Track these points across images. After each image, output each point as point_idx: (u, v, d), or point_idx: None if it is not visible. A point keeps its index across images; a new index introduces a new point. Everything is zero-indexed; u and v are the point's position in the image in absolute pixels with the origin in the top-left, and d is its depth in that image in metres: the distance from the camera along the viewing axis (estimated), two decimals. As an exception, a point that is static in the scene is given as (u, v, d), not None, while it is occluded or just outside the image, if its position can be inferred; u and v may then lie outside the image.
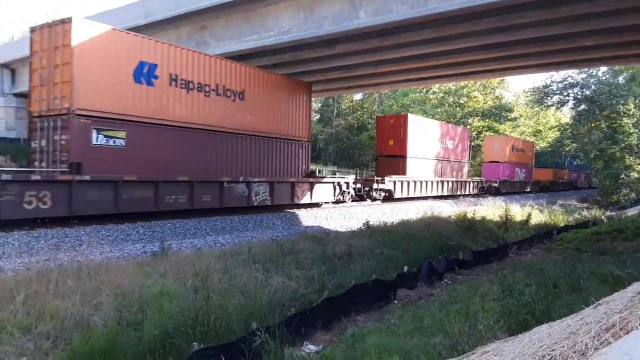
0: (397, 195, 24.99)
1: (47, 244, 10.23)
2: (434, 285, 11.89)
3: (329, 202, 21.04)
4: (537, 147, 55.05)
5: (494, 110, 51.51)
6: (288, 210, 18.62)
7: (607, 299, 2.96)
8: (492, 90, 52.67)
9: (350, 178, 22.99)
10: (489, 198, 30.77)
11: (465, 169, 35.37)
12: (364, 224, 16.39)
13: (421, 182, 27.55)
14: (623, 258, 13.21)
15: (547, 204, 32.55)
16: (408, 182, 26.08)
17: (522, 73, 24.31)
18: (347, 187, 22.01)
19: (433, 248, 14.97)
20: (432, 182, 28.71)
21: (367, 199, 23.53)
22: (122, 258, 10.04)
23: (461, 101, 51.12)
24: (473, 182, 34.96)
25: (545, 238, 19.65)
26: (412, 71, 23.13)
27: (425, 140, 28.81)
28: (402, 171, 26.22)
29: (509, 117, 52.83)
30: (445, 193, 30.22)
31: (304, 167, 20.89)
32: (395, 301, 10.17)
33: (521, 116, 56.88)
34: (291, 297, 9.47)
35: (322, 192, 20.54)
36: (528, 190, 42.83)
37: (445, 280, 12.58)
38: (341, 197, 21.68)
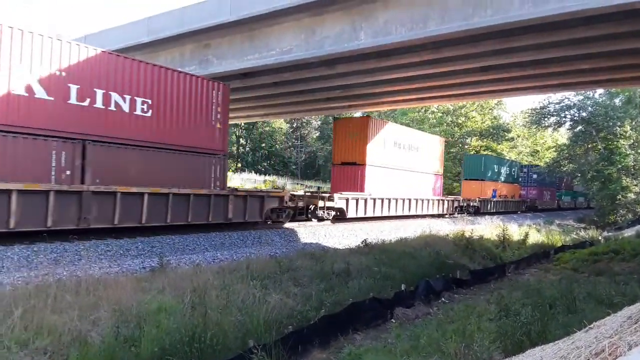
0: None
1: (47, 258, 10.25)
2: (431, 304, 11.89)
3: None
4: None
5: (491, 130, 51.88)
6: (287, 227, 18.66)
7: (599, 322, 3.03)
8: (490, 111, 53.10)
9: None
10: (486, 217, 30.82)
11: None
12: (362, 241, 16.45)
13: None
14: (619, 279, 13.27)
15: (545, 224, 32.62)
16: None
17: (520, 95, 24.59)
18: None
19: (431, 267, 14.99)
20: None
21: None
22: (120, 273, 10.06)
23: (459, 121, 51.50)
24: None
25: (543, 258, 19.68)
26: (411, 91, 23.40)
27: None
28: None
29: (507, 137, 53.19)
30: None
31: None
32: (393, 320, 10.18)
33: (519, 136, 57.29)
34: (289, 314, 9.48)
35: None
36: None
37: (443, 299, 12.59)
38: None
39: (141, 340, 7.10)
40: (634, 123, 35.30)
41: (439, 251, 16.65)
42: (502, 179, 41.47)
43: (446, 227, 24.27)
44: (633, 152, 34.69)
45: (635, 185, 34.41)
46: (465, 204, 33.09)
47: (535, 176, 47.11)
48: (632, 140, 34.95)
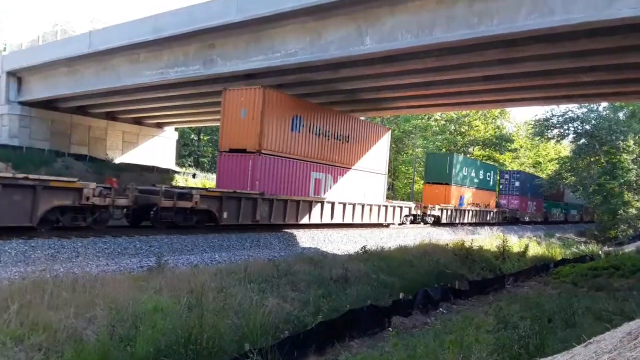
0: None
1: (44, 254, 10.21)
2: (429, 314, 11.83)
3: None
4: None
5: (494, 140, 51.83)
6: (286, 231, 18.62)
7: (598, 338, 2.99)
8: (493, 120, 53.10)
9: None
10: (485, 228, 30.68)
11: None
12: (361, 248, 16.40)
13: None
14: (619, 295, 13.18)
15: (545, 237, 32.54)
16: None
17: (523, 105, 24.61)
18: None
19: (429, 276, 14.94)
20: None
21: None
22: (117, 272, 10.04)
23: (462, 129, 51.49)
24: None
25: (542, 271, 19.57)
26: (414, 98, 23.40)
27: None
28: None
29: (509, 148, 53.12)
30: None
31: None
32: (390, 328, 10.12)
33: (521, 147, 57.22)
34: (285, 319, 9.44)
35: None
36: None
37: (441, 309, 12.52)
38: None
39: (136, 340, 7.05)
40: (637, 137, 35.23)
41: (438, 260, 16.60)
42: (475, 184, 36.66)
43: (446, 237, 24.20)
44: (636, 167, 34.61)
45: (637, 200, 34.32)
46: (420, 212, 27.99)
47: (518, 184, 41.53)
48: (635, 155, 34.89)
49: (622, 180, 33.35)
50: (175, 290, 9.14)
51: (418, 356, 7.07)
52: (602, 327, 6.62)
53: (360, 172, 24.76)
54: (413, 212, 27.37)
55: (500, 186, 42.31)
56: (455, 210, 31.42)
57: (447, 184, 32.90)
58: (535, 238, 29.72)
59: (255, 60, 18.00)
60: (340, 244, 18.61)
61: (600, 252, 24.94)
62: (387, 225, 25.07)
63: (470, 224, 31.68)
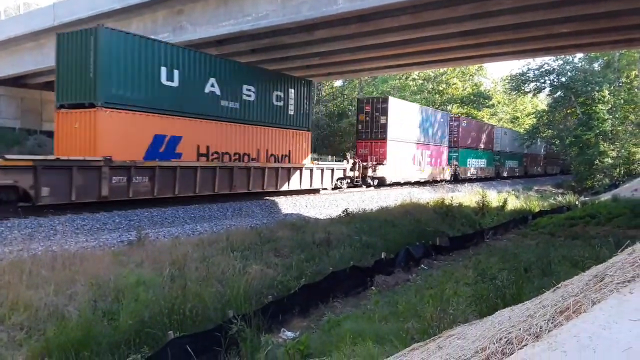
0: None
1: (21, 233, 10.04)
2: (410, 271, 12.06)
3: None
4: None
5: (472, 97, 51.95)
6: (268, 198, 18.60)
7: (566, 282, 3.05)
8: (470, 77, 53.05)
9: None
10: (466, 185, 31.00)
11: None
12: (343, 211, 16.49)
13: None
14: (594, 242, 13.56)
15: (523, 190, 33.14)
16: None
17: (500, 60, 24.52)
18: None
19: (411, 234, 15.16)
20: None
21: None
22: (97, 248, 9.94)
23: (440, 88, 51.39)
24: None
25: (521, 223, 20.03)
26: (391, 57, 23.12)
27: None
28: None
29: (487, 104, 53.37)
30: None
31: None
32: (373, 287, 10.30)
33: (499, 103, 57.51)
34: (269, 284, 9.54)
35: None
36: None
37: (422, 265, 12.77)
38: None
39: (120, 314, 7.06)
40: (612, 88, 35.62)
41: (419, 219, 16.81)
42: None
43: (427, 195, 24.46)
44: (611, 117, 35.12)
45: (612, 150, 34.98)
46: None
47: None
48: (610, 105, 35.34)
49: (597, 131, 33.89)
50: (157, 262, 9.12)
51: (400, 312, 7.23)
52: (576, 273, 6.82)
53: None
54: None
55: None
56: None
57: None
58: (513, 192, 30.27)
59: (226, 25, 17.48)
60: (322, 208, 18.69)
61: (577, 202, 25.57)
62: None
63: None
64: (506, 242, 16.27)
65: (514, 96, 51.15)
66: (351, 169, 23.32)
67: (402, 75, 47.83)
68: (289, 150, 21.48)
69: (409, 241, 14.00)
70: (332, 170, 22.24)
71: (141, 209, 13.73)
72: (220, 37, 18.40)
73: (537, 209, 24.42)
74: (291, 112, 21.62)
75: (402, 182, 27.62)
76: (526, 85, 40.40)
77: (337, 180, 22.63)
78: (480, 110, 52.91)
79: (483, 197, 21.99)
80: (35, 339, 6.40)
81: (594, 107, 34.69)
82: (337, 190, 22.62)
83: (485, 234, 16.92)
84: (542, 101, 56.34)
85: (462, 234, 16.57)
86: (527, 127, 48.40)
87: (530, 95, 46.67)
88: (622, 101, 36.44)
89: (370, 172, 24.57)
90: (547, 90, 40.45)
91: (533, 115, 47.76)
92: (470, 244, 15.63)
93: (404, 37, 18.83)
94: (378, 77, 46.18)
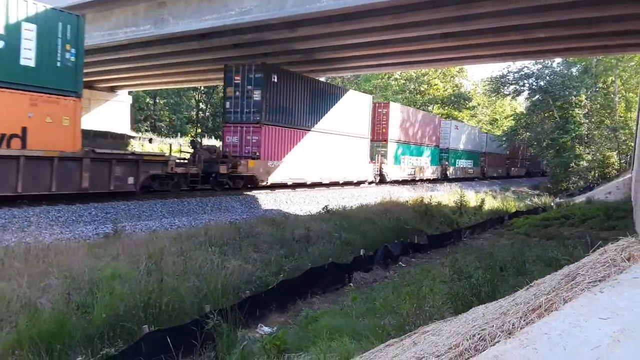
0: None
1: (-7, 225, 9.84)
2: (389, 268, 12.15)
3: None
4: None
5: (453, 98, 52.56)
6: (248, 194, 18.52)
7: (539, 281, 3.12)
8: (451, 79, 53.66)
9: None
10: (445, 184, 31.36)
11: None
12: (324, 208, 16.52)
13: None
14: (568, 243, 13.84)
15: (501, 191, 33.66)
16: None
17: (479, 62, 24.84)
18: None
19: (390, 232, 15.25)
20: None
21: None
22: (72, 240, 9.78)
23: (422, 88, 51.87)
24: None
25: (497, 223, 20.34)
26: (373, 57, 23.22)
27: None
28: None
29: (467, 106, 54.05)
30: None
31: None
32: (351, 284, 10.35)
33: (479, 105, 58.33)
34: (247, 280, 9.50)
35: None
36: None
37: (400, 263, 12.88)
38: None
39: (94, 307, 6.95)
40: (589, 93, 36.40)
41: (398, 217, 16.93)
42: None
43: (406, 194, 24.67)
44: (587, 121, 35.90)
45: (588, 153, 35.77)
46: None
47: None
48: (586, 110, 36.12)
49: (574, 135, 34.64)
50: (133, 256, 9.01)
51: (377, 308, 7.29)
52: (550, 272, 6.96)
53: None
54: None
55: None
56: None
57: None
58: (491, 192, 30.73)
59: (209, 19, 17.32)
60: (303, 204, 18.70)
61: (552, 204, 26.05)
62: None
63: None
64: (483, 241, 16.50)
65: (494, 98, 51.88)
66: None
67: (385, 75, 48.11)
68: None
69: (388, 238, 14.09)
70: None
71: (117, 202, 13.55)
72: (202, 31, 18.23)
73: (513, 210, 24.83)
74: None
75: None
76: (505, 87, 41.03)
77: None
78: (460, 112, 53.58)
79: (461, 197, 22.28)
80: (7, 331, 6.26)
81: (571, 111, 35.44)
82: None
83: (462, 233, 17.14)
84: (521, 104, 57.28)
85: (441, 233, 16.75)
86: (505, 129, 49.16)
87: (509, 97, 47.37)
88: (598, 106, 37.34)
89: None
90: (525, 93, 41.17)
91: (512, 118, 48.47)
92: (448, 242, 15.82)
93: (387, 37, 18.94)
94: (361, 75, 46.36)
